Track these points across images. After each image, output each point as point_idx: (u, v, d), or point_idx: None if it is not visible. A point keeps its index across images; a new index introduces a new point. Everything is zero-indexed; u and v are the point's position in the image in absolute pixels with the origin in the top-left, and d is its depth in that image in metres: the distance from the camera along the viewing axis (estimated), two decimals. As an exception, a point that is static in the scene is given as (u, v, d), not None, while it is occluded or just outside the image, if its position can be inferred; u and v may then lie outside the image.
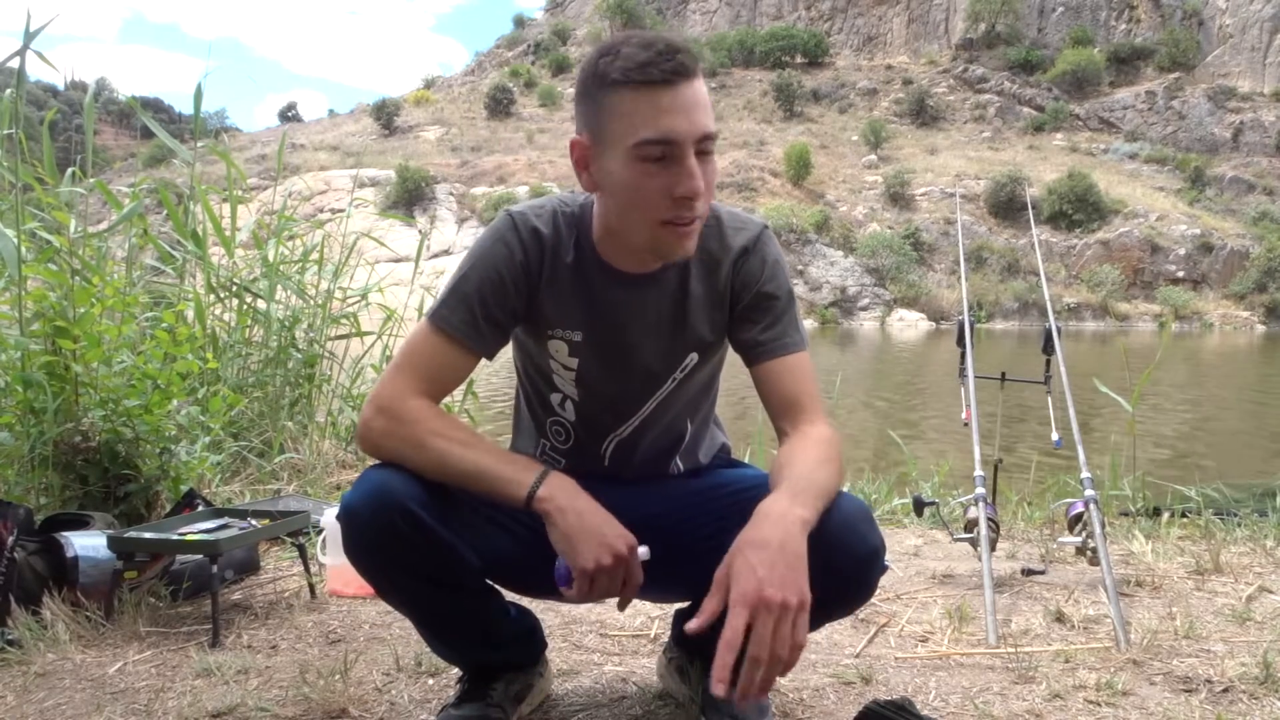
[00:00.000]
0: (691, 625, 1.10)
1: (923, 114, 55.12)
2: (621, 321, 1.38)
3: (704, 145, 1.22)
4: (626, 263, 1.36)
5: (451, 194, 41.04)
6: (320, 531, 2.30)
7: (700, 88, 1.22)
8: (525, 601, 1.58)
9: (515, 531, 1.38)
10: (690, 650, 1.57)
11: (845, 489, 1.34)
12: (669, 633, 1.69)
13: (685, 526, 1.41)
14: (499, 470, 1.25)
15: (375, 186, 40.41)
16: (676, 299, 1.39)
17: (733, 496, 1.42)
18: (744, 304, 1.39)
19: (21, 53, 2.74)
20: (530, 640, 1.56)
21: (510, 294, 1.35)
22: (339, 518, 1.29)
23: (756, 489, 1.39)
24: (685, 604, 1.59)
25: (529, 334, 1.42)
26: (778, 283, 1.40)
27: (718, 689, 1.05)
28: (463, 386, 3.99)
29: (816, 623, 1.43)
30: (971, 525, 2.32)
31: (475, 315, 1.34)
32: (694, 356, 1.42)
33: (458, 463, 1.26)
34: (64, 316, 2.43)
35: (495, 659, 1.50)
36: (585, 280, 1.37)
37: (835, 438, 1.34)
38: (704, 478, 1.53)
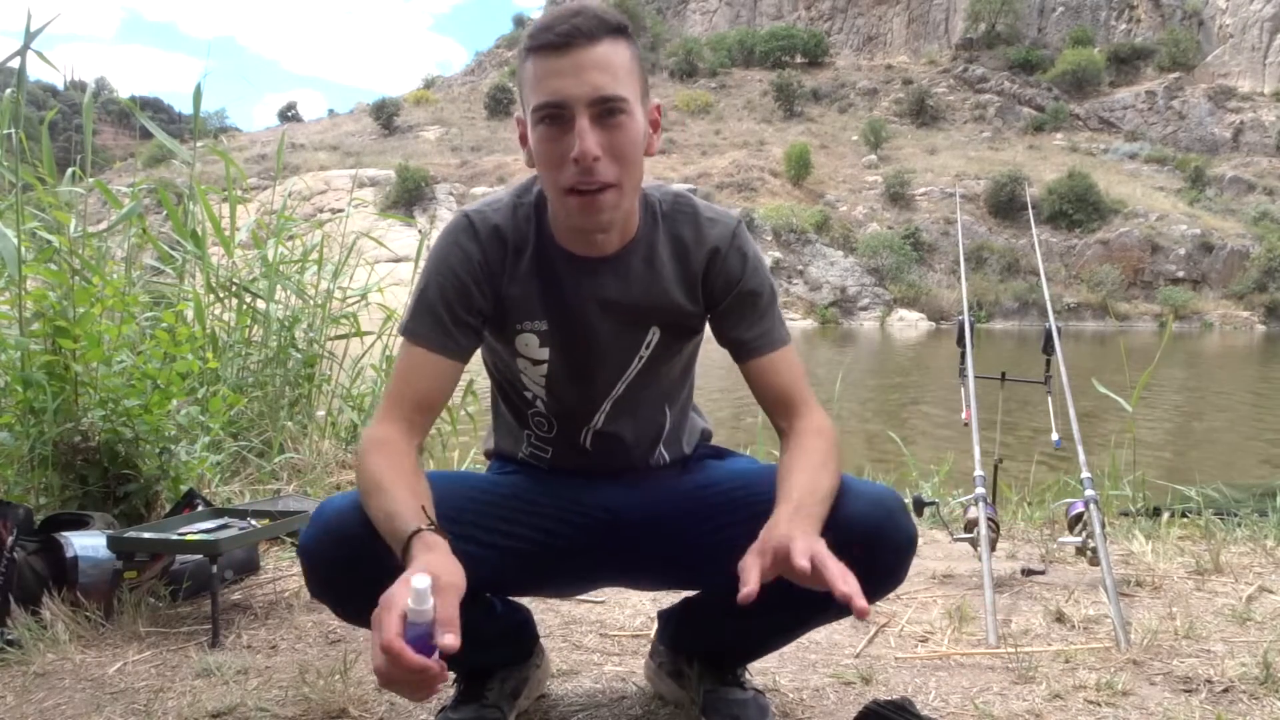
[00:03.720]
0: (746, 594, 1.08)
1: (923, 114, 55.15)
2: (582, 306, 1.37)
3: (603, 107, 1.21)
4: (582, 246, 1.35)
5: (451, 194, 41.03)
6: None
7: (605, 51, 1.20)
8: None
9: (502, 545, 1.38)
10: (688, 652, 1.56)
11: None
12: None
13: (682, 524, 1.42)
14: (385, 524, 1.18)
15: (375, 186, 40.41)
16: (639, 281, 1.37)
17: (728, 494, 1.43)
18: (727, 302, 1.39)
19: (22, 52, 2.74)
20: (520, 636, 1.55)
21: (474, 295, 1.35)
22: (298, 554, 1.28)
23: (749, 485, 1.41)
24: (671, 608, 1.60)
25: (496, 332, 1.41)
26: (759, 279, 1.40)
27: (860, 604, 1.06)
28: (462, 387, 4.00)
29: (846, 611, 1.44)
30: (971, 525, 2.32)
31: (444, 322, 1.33)
32: (655, 331, 1.40)
33: (368, 505, 1.22)
34: (64, 316, 2.43)
35: (485, 660, 1.49)
36: (546, 268, 1.37)
37: (830, 429, 1.36)
38: (697, 474, 1.53)
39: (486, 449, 1.61)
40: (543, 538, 1.41)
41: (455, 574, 1.08)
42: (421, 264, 1.44)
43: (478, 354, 1.44)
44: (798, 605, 1.33)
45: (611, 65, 1.21)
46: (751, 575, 1.10)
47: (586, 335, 1.39)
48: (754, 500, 1.34)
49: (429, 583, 1.01)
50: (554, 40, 1.19)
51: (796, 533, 1.13)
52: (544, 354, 1.40)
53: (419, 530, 1.13)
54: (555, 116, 1.21)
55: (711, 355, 1.56)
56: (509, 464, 1.54)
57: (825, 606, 1.33)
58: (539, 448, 1.51)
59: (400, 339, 1.37)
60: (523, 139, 1.31)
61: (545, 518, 1.42)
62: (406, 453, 1.29)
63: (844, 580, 1.07)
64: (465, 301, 1.34)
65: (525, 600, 1.60)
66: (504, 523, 1.39)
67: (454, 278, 1.34)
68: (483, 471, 1.63)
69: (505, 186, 1.44)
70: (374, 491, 1.22)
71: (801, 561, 1.08)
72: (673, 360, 1.46)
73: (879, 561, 1.28)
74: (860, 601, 1.05)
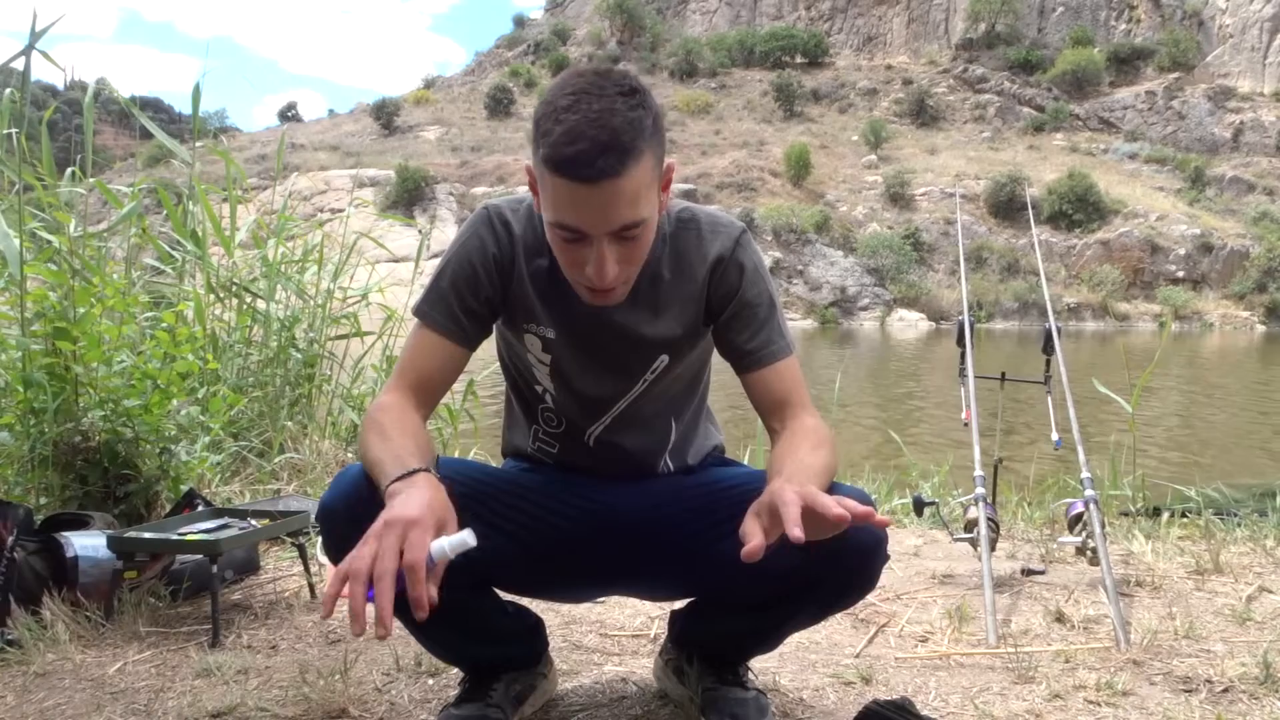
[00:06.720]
0: (750, 549, 1.04)
1: (923, 114, 55.08)
2: (591, 325, 1.38)
3: (623, 233, 1.20)
4: None
5: (451, 194, 41.00)
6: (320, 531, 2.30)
7: (629, 181, 1.15)
8: (524, 601, 1.58)
9: (507, 530, 1.39)
10: (688, 650, 1.57)
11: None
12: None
13: (677, 525, 1.42)
14: (383, 464, 1.18)
15: (375, 186, 40.37)
16: (647, 303, 1.38)
17: (724, 494, 1.42)
18: (727, 313, 1.39)
19: (27, 52, 2.73)
20: (531, 638, 1.56)
21: (484, 285, 1.37)
22: (317, 518, 1.29)
23: (746, 486, 1.39)
24: (681, 604, 1.59)
25: (507, 325, 1.44)
26: (759, 290, 1.39)
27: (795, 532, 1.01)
28: (462, 387, 4.00)
29: (823, 613, 1.44)
30: (971, 525, 2.32)
31: (453, 308, 1.36)
32: (664, 358, 1.42)
33: (367, 452, 1.23)
34: (64, 317, 2.43)
35: (492, 656, 1.49)
36: (558, 282, 1.36)
37: (824, 427, 1.35)
38: (695, 476, 1.53)
39: (503, 449, 1.63)
40: (546, 523, 1.43)
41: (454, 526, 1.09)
42: (422, 264, 1.46)
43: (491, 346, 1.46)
44: (785, 599, 1.35)
45: (635, 194, 1.17)
46: (753, 532, 1.06)
47: (590, 352, 1.40)
48: (750, 496, 1.34)
49: (474, 544, 1.05)
50: (577, 176, 1.14)
51: (788, 486, 1.10)
52: (546, 358, 1.42)
53: (425, 470, 1.14)
54: (575, 238, 1.20)
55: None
56: (522, 460, 1.57)
57: (810, 594, 1.34)
58: (546, 442, 1.52)
59: (415, 319, 1.40)
60: (533, 186, 1.27)
61: (547, 507, 1.44)
62: (412, 414, 1.31)
63: (839, 504, 1.03)
64: (475, 290, 1.37)
65: (530, 604, 1.60)
66: (511, 509, 1.41)
67: (468, 265, 1.37)
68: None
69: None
70: (376, 437, 1.23)
71: (789, 495, 1.05)
72: (678, 376, 1.47)
73: (844, 563, 1.28)
74: (861, 509, 1.01)
